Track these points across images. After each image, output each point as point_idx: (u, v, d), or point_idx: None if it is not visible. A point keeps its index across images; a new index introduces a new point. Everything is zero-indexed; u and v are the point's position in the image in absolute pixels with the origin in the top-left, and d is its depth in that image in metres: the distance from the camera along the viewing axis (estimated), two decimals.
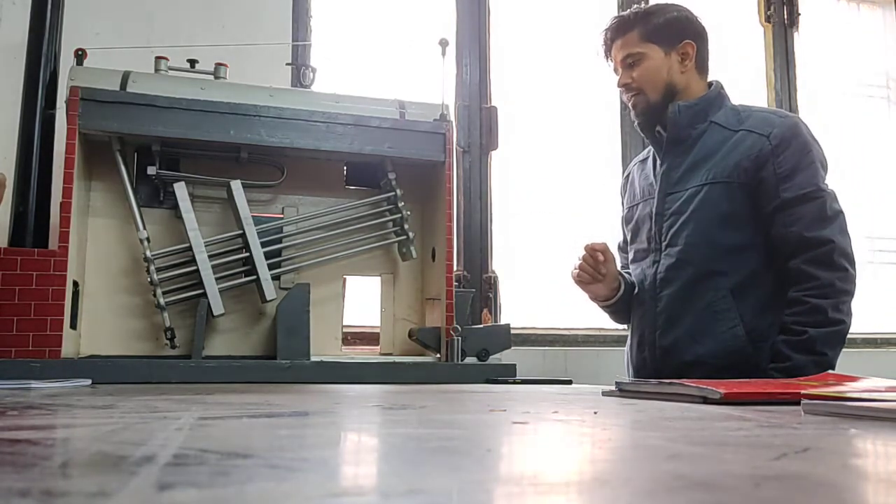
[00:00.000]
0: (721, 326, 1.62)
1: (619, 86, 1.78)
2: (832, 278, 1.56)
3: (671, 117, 1.71)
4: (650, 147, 1.86)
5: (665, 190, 1.73)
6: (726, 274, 1.63)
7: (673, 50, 1.73)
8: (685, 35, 1.74)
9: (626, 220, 1.88)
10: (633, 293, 1.81)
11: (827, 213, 1.59)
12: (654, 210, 1.75)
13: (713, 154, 1.68)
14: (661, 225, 1.73)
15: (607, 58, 1.81)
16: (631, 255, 1.84)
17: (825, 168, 1.65)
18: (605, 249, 1.74)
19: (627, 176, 1.95)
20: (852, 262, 1.59)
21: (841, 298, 1.57)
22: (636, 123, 1.80)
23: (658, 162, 1.78)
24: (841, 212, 1.61)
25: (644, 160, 1.89)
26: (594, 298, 1.84)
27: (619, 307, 1.83)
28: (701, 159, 1.69)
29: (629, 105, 1.78)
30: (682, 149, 1.72)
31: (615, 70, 1.80)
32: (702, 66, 1.77)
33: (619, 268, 1.89)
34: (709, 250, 1.64)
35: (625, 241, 1.93)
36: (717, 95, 1.75)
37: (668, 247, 1.70)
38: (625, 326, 1.96)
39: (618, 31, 1.77)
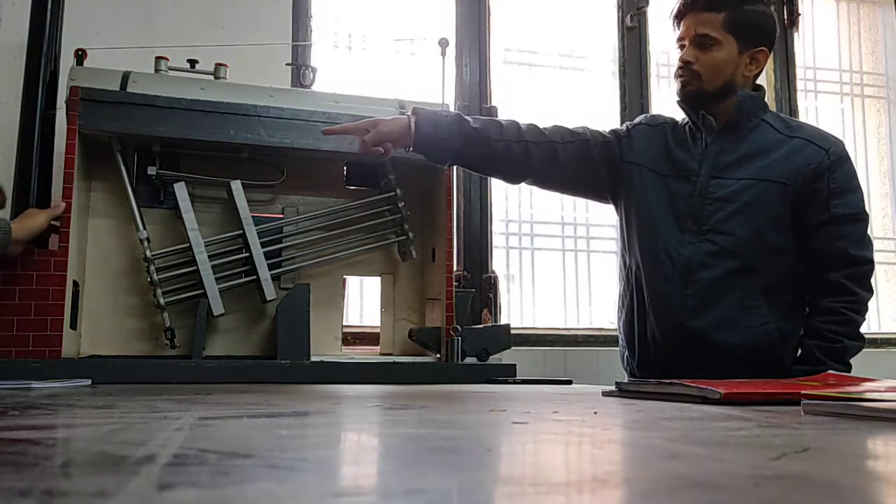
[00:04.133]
0: (753, 321, 1.62)
1: (680, 60, 1.69)
2: (866, 297, 1.65)
3: (739, 101, 1.67)
4: (668, 121, 1.79)
5: (711, 172, 1.68)
6: (761, 272, 1.64)
7: (747, 51, 1.68)
8: (764, 41, 1.69)
9: (637, 182, 1.74)
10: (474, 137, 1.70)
11: (867, 237, 1.67)
12: (696, 191, 1.68)
13: (767, 152, 1.67)
14: (703, 207, 1.66)
15: (677, 22, 1.71)
16: (638, 222, 1.74)
17: None
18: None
19: (637, 127, 1.81)
20: (872, 288, 1.68)
21: (864, 317, 1.66)
22: (679, 101, 1.72)
23: (701, 142, 1.71)
24: (871, 238, 1.69)
25: (660, 125, 1.78)
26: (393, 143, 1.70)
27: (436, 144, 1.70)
28: (753, 153, 1.67)
29: (678, 80, 1.70)
30: (736, 136, 1.69)
31: (680, 39, 1.70)
32: (759, 73, 1.74)
33: (522, 123, 1.76)
34: (756, 247, 1.64)
35: (587, 140, 1.77)
36: (765, 98, 1.76)
37: (710, 232, 1.65)
38: (619, 305, 1.88)
39: (707, 6, 1.67)
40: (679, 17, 1.70)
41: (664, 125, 1.79)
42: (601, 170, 1.78)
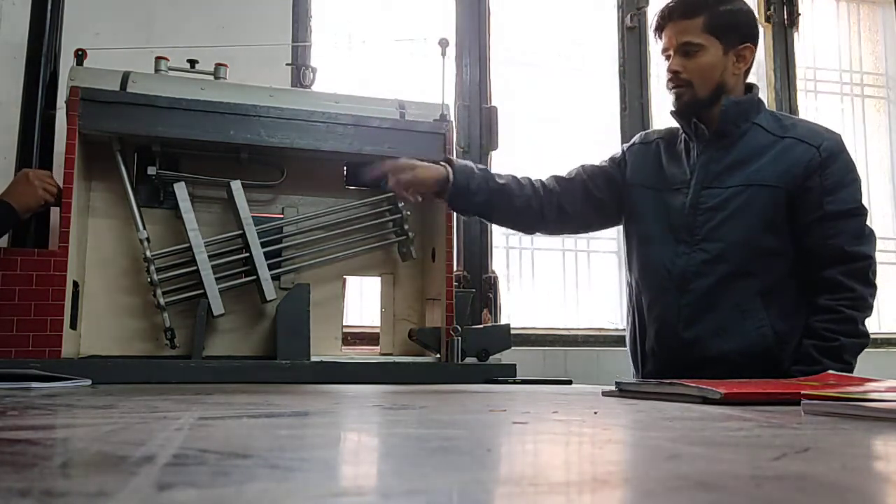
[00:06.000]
0: (749, 326, 1.62)
1: (668, 71, 1.70)
2: (866, 293, 1.62)
3: (723, 109, 1.67)
4: (663, 135, 1.80)
5: (702, 182, 1.68)
6: (757, 276, 1.63)
7: (732, 50, 1.67)
8: (747, 38, 1.69)
9: (636, 201, 1.77)
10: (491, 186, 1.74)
11: (865, 231, 1.64)
12: (687, 202, 1.69)
13: (757, 156, 1.66)
14: (695, 218, 1.68)
15: (658, 34, 1.72)
16: (637, 239, 1.78)
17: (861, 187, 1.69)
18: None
19: (632, 148, 1.85)
20: (875, 282, 1.65)
21: (867, 313, 1.63)
22: (672, 111, 1.74)
23: (694, 152, 1.72)
24: (873, 231, 1.66)
25: (653, 142, 1.80)
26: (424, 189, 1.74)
27: (468, 197, 1.74)
28: (742, 159, 1.67)
29: (670, 91, 1.71)
30: (724, 143, 1.69)
31: (664, 50, 1.71)
32: (749, 70, 1.73)
33: (532, 179, 1.80)
34: (748, 251, 1.63)
35: (584, 182, 1.81)
36: (758, 99, 1.74)
37: (703, 241, 1.66)
38: (625, 325, 1.92)
39: (684, 14, 1.67)
40: (659, 29, 1.72)
41: (658, 140, 1.82)
42: (605, 202, 1.82)
